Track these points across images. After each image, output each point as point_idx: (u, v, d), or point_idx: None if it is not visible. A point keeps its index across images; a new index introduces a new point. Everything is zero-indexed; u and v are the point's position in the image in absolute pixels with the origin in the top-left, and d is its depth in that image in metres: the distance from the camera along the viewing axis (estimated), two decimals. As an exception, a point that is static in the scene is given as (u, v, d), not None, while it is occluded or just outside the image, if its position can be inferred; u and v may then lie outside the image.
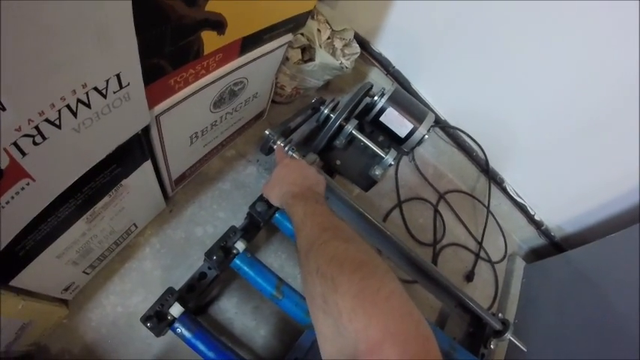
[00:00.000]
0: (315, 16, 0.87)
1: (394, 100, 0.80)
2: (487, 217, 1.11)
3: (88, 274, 0.62)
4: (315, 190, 0.53)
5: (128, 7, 0.31)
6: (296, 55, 0.82)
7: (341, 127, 0.77)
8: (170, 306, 0.52)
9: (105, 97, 0.37)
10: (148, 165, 0.56)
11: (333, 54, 0.89)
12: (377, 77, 1.13)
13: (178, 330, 0.52)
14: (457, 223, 1.10)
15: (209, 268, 0.60)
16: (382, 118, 0.80)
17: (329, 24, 0.89)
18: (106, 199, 0.52)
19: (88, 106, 0.36)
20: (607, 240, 0.87)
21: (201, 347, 0.52)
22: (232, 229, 0.60)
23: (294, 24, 0.66)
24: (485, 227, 1.10)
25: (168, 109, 0.50)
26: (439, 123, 1.09)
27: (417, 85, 1.08)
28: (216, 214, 0.79)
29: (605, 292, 0.81)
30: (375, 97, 0.81)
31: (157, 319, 0.51)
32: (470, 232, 1.10)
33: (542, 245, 1.18)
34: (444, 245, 1.04)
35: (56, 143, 0.35)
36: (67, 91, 0.32)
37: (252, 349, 0.69)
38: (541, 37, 0.82)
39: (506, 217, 1.17)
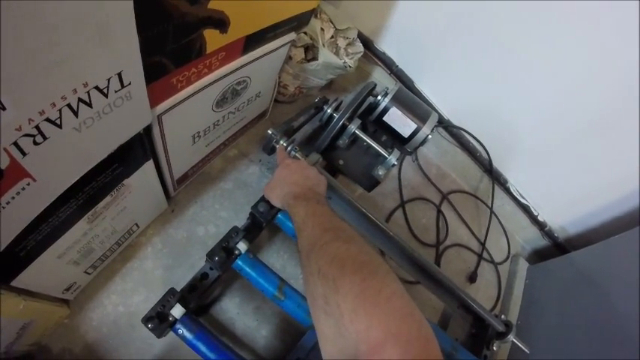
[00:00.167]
0: (318, 15, 0.86)
1: (397, 100, 0.79)
2: (490, 217, 1.11)
3: (89, 274, 0.62)
4: (317, 190, 0.53)
5: (129, 5, 0.31)
6: (299, 54, 0.82)
7: (344, 127, 0.77)
8: (171, 307, 0.51)
9: (106, 96, 0.36)
10: (149, 165, 0.56)
11: (337, 53, 0.88)
12: (380, 76, 1.12)
13: (180, 331, 0.52)
14: (460, 224, 1.09)
15: (211, 269, 0.59)
16: (385, 118, 0.80)
17: (332, 23, 0.89)
18: (108, 198, 0.51)
19: (89, 105, 0.35)
20: (611, 241, 0.87)
21: (203, 348, 0.52)
22: (234, 230, 0.60)
23: (298, 23, 0.66)
24: (488, 228, 1.09)
25: (171, 108, 0.49)
26: (442, 123, 1.08)
27: (421, 85, 1.08)
28: (218, 213, 0.78)
29: (609, 294, 0.80)
30: (379, 97, 0.80)
31: (158, 320, 0.51)
32: (473, 233, 1.09)
33: (545, 246, 1.18)
34: (447, 246, 1.03)
35: (57, 143, 0.35)
36: (67, 90, 0.32)
37: (254, 350, 0.69)
38: (544, 38, 0.81)
39: (509, 217, 1.17)
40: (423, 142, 0.81)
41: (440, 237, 1.03)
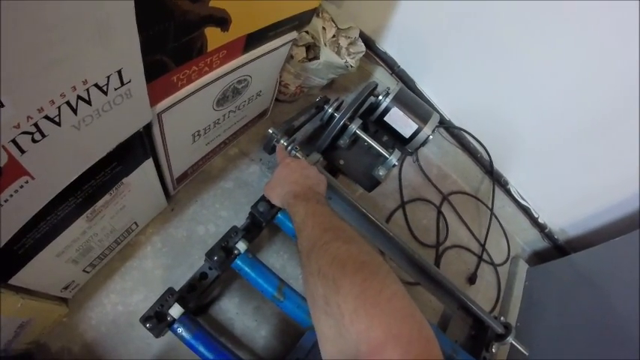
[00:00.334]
0: (320, 14, 0.86)
1: (399, 100, 0.79)
2: (490, 219, 1.11)
3: (88, 272, 0.61)
4: (317, 190, 0.52)
5: (130, 4, 0.31)
6: (300, 53, 0.81)
7: (345, 127, 0.76)
8: (170, 307, 0.51)
9: (106, 93, 0.36)
10: (149, 163, 0.55)
11: (338, 52, 0.88)
12: (382, 76, 1.12)
13: (178, 331, 0.52)
14: (460, 225, 1.09)
15: (210, 269, 0.59)
16: (386, 118, 0.79)
17: (334, 22, 0.88)
18: (107, 197, 0.51)
19: (89, 102, 0.35)
20: (611, 244, 0.87)
21: (201, 348, 0.51)
22: (234, 229, 0.60)
23: (299, 21, 0.65)
24: (488, 229, 1.09)
25: (171, 106, 0.49)
26: (444, 123, 1.08)
27: (422, 85, 1.07)
28: (218, 213, 0.78)
29: (609, 297, 0.80)
30: (380, 97, 0.80)
31: (156, 319, 0.51)
32: (473, 234, 1.09)
33: (545, 248, 1.18)
34: (447, 247, 1.03)
35: (56, 141, 0.34)
36: (66, 88, 0.32)
37: (253, 350, 0.69)
38: (545, 38, 0.81)
39: (509, 219, 1.17)
40: (424, 142, 0.80)
41: (440, 238, 1.03)
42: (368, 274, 0.33)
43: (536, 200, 1.13)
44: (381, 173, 0.77)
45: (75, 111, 0.34)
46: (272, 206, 0.63)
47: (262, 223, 0.64)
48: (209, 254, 0.56)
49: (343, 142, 0.78)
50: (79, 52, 0.30)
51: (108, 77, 0.35)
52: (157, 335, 0.51)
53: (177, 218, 0.74)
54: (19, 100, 0.28)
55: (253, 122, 0.86)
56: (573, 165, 0.98)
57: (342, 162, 0.82)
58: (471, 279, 1.01)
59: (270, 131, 0.69)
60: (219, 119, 0.66)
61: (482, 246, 1.08)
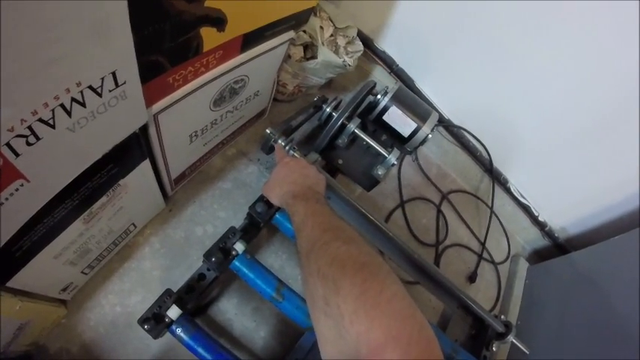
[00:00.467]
0: (317, 13, 0.85)
1: (397, 99, 0.78)
2: (490, 217, 1.10)
3: (86, 274, 0.61)
4: (316, 189, 0.52)
5: (123, 4, 0.30)
6: (298, 52, 0.81)
7: (343, 126, 0.76)
8: (168, 308, 0.51)
9: (100, 95, 0.36)
10: (146, 164, 0.55)
11: (336, 52, 0.88)
12: (380, 75, 1.12)
13: (176, 332, 0.52)
14: (460, 224, 1.09)
15: (208, 270, 0.59)
16: (385, 117, 0.79)
17: (332, 21, 0.88)
18: (104, 199, 0.51)
19: (83, 105, 0.35)
20: (611, 242, 0.87)
21: (199, 350, 0.51)
22: (231, 230, 0.60)
23: (297, 21, 0.65)
24: (488, 228, 1.08)
25: (167, 107, 0.49)
26: (443, 122, 1.08)
27: (421, 84, 1.07)
28: (216, 213, 0.78)
29: (609, 295, 0.80)
30: (378, 96, 0.80)
31: (154, 321, 0.50)
32: (473, 233, 1.09)
33: (545, 247, 1.17)
34: (447, 246, 1.03)
35: (50, 143, 0.34)
36: (60, 90, 0.32)
37: (252, 351, 0.69)
38: (546, 39, 0.81)
39: (509, 217, 1.16)
40: (423, 141, 0.80)
41: (440, 237, 1.03)
42: (368, 274, 0.32)
43: (536, 198, 1.12)
44: (380, 172, 0.77)
45: (69, 113, 0.34)
46: (270, 206, 0.63)
47: (260, 224, 0.63)
48: (207, 255, 0.56)
49: (342, 141, 0.78)
50: (72, 53, 0.29)
51: (102, 79, 0.35)
52: (155, 337, 0.51)
53: (176, 219, 0.74)
54: (12, 102, 0.28)
55: (251, 122, 0.86)
56: (574, 163, 0.97)
57: (340, 161, 0.82)
58: (471, 278, 1.01)
59: (268, 131, 0.68)
60: (216, 120, 0.66)
61: (483, 244, 1.08)
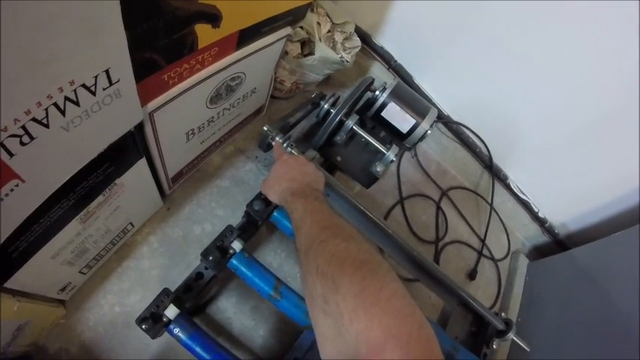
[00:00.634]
0: (314, 9, 0.85)
1: (396, 95, 0.78)
2: (490, 214, 1.10)
3: (84, 274, 0.61)
4: (315, 186, 0.52)
5: (115, 2, 0.30)
6: (295, 48, 0.80)
7: (341, 123, 0.76)
8: (165, 307, 0.51)
9: (94, 94, 0.36)
10: (142, 163, 0.55)
11: (334, 48, 0.87)
12: (378, 71, 1.11)
13: (174, 331, 0.52)
14: (460, 221, 1.09)
15: (206, 268, 0.59)
16: (384, 114, 0.79)
17: (329, 17, 0.87)
18: (100, 198, 0.50)
19: (77, 103, 0.35)
20: (612, 238, 0.87)
21: (197, 349, 0.51)
22: (229, 229, 0.59)
23: (293, 17, 0.64)
24: (488, 224, 1.08)
25: (163, 105, 0.48)
26: (442, 118, 1.07)
27: (420, 80, 1.06)
28: (214, 211, 0.78)
29: (609, 291, 0.80)
30: (377, 92, 0.79)
31: (152, 320, 0.50)
32: (473, 230, 1.09)
33: (545, 243, 1.17)
34: (447, 243, 1.02)
35: (45, 143, 0.34)
36: (53, 89, 0.31)
37: (251, 349, 0.69)
38: (548, 35, 0.80)
39: (509, 214, 1.16)
40: (422, 137, 0.80)
41: (439, 234, 1.03)
42: (367, 272, 0.32)
43: (536, 195, 1.12)
44: (378, 169, 0.76)
45: (63, 112, 0.34)
46: (268, 204, 0.63)
47: (258, 222, 0.63)
48: (204, 254, 0.56)
49: (340, 138, 0.77)
50: (63, 53, 0.29)
51: (95, 77, 0.34)
52: (153, 336, 0.51)
53: (174, 218, 0.74)
54: (5, 102, 0.27)
55: (249, 120, 0.86)
56: (574, 160, 0.97)
57: (339, 158, 0.81)
58: (471, 275, 1.01)
59: (265, 128, 0.68)
60: (213, 117, 0.66)
61: (483, 241, 1.07)
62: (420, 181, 1.08)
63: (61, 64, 0.30)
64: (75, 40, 0.29)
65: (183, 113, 0.56)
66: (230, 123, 0.76)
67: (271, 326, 0.71)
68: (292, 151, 0.67)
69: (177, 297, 0.54)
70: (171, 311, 0.51)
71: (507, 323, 0.73)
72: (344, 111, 0.73)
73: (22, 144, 0.32)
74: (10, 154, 0.32)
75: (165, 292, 0.53)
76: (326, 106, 0.79)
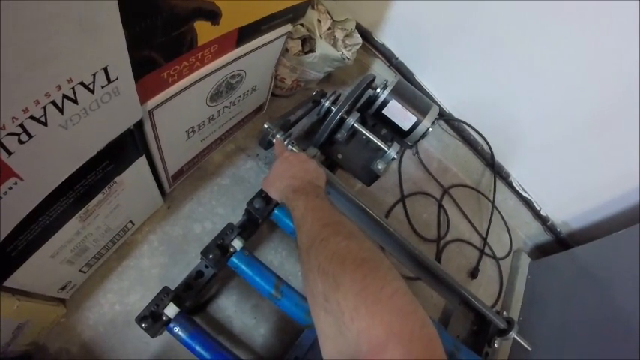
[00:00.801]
0: (315, 6, 0.84)
1: (397, 93, 0.77)
2: (492, 212, 1.10)
3: (84, 272, 0.61)
4: (316, 184, 0.51)
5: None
6: (296, 46, 0.80)
7: (342, 121, 0.75)
8: (165, 306, 0.51)
9: (92, 92, 0.35)
10: (142, 161, 0.54)
11: (334, 45, 0.86)
12: (380, 69, 1.10)
13: (174, 330, 0.51)
14: (461, 219, 1.08)
15: (206, 267, 0.59)
16: (385, 111, 0.78)
17: (330, 14, 0.87)
18: (100, 196, 0.50)
19: (75, 101, 0.34)
20: (614, 237, 0.86)
21: (197, 348, 0.51)
22: (229, 227, 0.59)
23: (294, 14, 0.64)
24: (490, 223, 1.08)
25: (162, 103, 0.48)
26: (443, 116, 1.07)
27: (421, 77, 1.06)
28: (215, 210, 0.77)
29: (612, 290, 0.79)
30: (378, 90, 0.79)
31: (152, 319, 0.50)
32: (474, 228, 1.08)
33: (547, 241, 1.17)
34: (448, 241, 1.02)
35: (43, 141, 0.34)
36: (51, 87, 0.31)
37: (252, 348, 0.68)
38: (548, 33, 0.80)
39: (511, 212, 1.16)
40: (424, 135, 0.79)
41: (441, 232, 1.02)
42: (368, 270, 0.32)
43: (538, 193, 1.11)
44: (380, 167, 0.76)
45: (61, 110, 0.34)
46: (268, 203, 0.62)
47: (258, 220, 0.63)
48: (204, 252, 0.56)
49: (341, 136, 0.77)
50: (61, 51, 0.29)
51: (94, 75, 0.34)
52: (153, 335, 0.50)
53: (174, 216, 0.74)
54: (3, 101, 0.27)
55: (249, 117, 0.85)
56: (576, 158, 0.96)
57: (340, 156, 0.81)
58: (473, 273, 1.01)
59: (266, 126, 0.68)
60: (213, 115, 0.65)
61: (484, 239, 1.07)
62: (422, 179, 1.07)
63: (59, 62, 0.30)
64: (73, 39, 0.29)
65: (183, 111, 0.55)
66: (230, 121, 0.76)
67: (272, 325, 0.71)
68: (293, 148, 0.66)
69: (177, 295, 0.54)
70: (171, 310, 0.51)
71: (509, 322, 0.73)
72: (345, 109, 0.73)
73: (21, 142, 0.32)
74: (9, 153, 0.31)
75: (165, 290, 0.53)
76: (327, 104, 0.79)
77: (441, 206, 1.06)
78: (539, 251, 1.19)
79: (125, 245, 0.68)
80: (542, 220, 1.13)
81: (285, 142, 0.66)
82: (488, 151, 1.09)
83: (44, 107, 0.32)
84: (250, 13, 0.52)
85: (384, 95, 0.77)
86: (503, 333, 0.72)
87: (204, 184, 0.79)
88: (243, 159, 0.85)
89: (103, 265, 0.65)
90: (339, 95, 0.82)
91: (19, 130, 0.31)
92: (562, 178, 1.04)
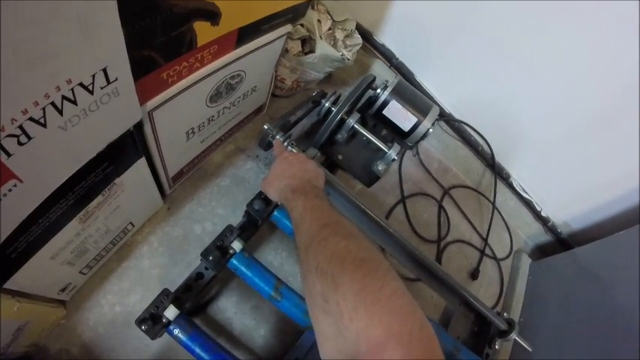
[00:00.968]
0: (315, 6, 0.84)
1: (397, 93, 0.77)
2: (492, 213, 1.09)
3: (84, 274, 0.61)
4: (315, 184, 0.51)
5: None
6: (296, 46, 0.80)
7: (342, 121, 0.75)
8: (165, 308, 0.51)
9: (92, 93, 0.35)
10: (142, 162, 0.54)
11: (335, 45, 0.86)
12: (380, 69, 1.10)
13: (174, 332, 0.51)
14: (462, 219, 1.08)
15: (206, 268, 0.59)
16: (385, 112, 0.78)
17: (330, 14, 0.87)
18: (100, 198, 0.50)
19: (74, 103, 0.34)
20: (615, 237, 0.86)
21: (197, 350, 0.51)
22: (229, 228, 0.59)
23: (294, 14, 0.64)
24: (490, 223, 1.08)
25: (162, 104, 0.48)
26: (444, 116, 1.06)
27: (422, 78, 1.05)
28: (215, 210, 0.77)
29: (612, 291, 0.79)
30: (378, 90, 0.78)
31: (151, 321, 0.50)
32: (475, 229, 1.08)
33: (548, 242, 1.16)
34: (449, 242, 1.02)
35: (43, 143, 0.34)
36: (50, 88, 0.31)
37: (252, 349, 0.68)
38: (549, 33, 0.80)
39: (512, 213, 1.15)
40: (424, 136, 0.79)
41: (441, 233, 1.02)
42: (367, 270, 0.32)
43: (538, 193, 1.11)
44: (380, 168, 0.76)
45: (60, 112, 0.33)
46: (268, 204, 0.62)
47: (258, 221, 0.63)
48: (204, 254, 0.56)
49: (341, 136, 0.77)
50: (59, 51, 0.29)
51: (93, 76, 0.34)
52: (153, 337, 0.50)
53: (174, 217, 0.73)
54: (2, 101, 0.27)
55: (250, 118, 0.85)
56: (577, 158, 0.96)
57: (340, 157, 0.81)
58: (473, 274, 1.00)
59: (266, 127, 0.67)
60: (213, 116, 0.65)
61: (485, 240, 1.07)
62: (422, 180, 1.07)
63: (58, 63, 0.30)
64: (72, 38, 0.29)
65: (183, 112, 0.55)
66: (230, 122, 0.76)
67: (272, 326, 0.71)
68: (293, 149, 0.66)
69: (177, 297, 0.54)
70: (171, 312, 0.51)
71: (509, 323, 0.72)
72: (345, 109, 0.73)
73: (20, 144, 0.32)
74: (8, 154, 0.31)
75: (165, 292, 0.53)
76: (327, 105, 0.79)
77: (441, 207, 1.06)
78: (540, 252, 1.18)
79: (125, 246, 0.68)
80: (543, 221, 1.13)
81: (285, 143, 0.66)
82: (488, 151, 1.08)
83: (43, 108, 0.31)
84: (250, 14, 0.52)
85: (384, 96, 0.77)
86: (503, 334, 0.72)
87: (205, 184, 0.79)
88: (243, 159, 0.85)
89: (103, 267, 0.65)
90: (340, 96, 0.82)
91: (18, 132, 0.31)
92: (562, 179, 1.03)
